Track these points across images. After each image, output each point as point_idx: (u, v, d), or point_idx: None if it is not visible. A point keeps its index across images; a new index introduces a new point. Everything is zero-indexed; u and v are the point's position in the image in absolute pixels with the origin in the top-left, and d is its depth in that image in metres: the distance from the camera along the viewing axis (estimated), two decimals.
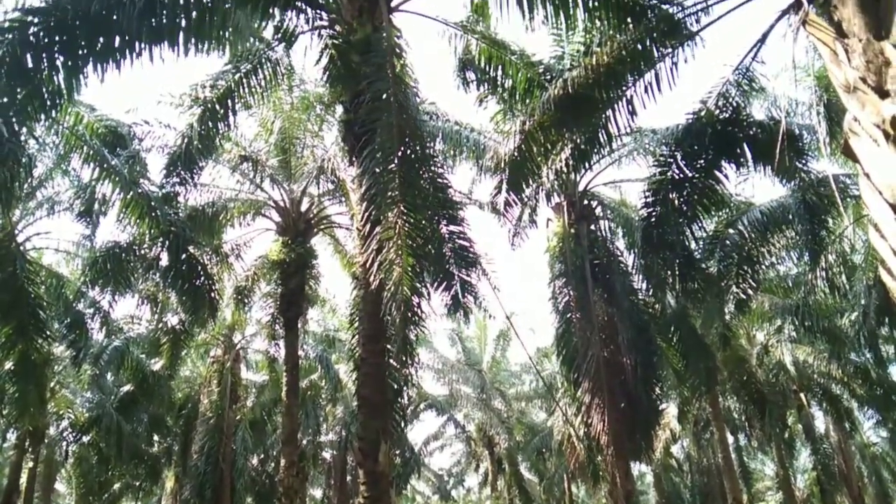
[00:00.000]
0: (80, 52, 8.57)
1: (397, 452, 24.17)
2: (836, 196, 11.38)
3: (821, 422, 31.02)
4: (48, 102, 8.83)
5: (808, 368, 25.24)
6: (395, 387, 10.85)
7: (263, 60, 11.62)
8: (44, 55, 8.30)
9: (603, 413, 12.95)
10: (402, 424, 12.13)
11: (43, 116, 9.38)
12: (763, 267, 15.86)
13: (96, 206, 14.08)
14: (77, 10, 8.11)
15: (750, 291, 14.74)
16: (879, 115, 2.76)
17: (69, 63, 8.56)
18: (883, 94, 2.74)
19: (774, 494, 43.49)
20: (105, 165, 11.81)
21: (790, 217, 13.20)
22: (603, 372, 13.12)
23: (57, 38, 8.31)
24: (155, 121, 14.01)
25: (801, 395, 27.07)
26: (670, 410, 23.59)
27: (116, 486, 28.91)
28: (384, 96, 8.81)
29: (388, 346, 9.98)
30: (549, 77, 11.20)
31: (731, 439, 27.28)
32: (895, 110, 2.68)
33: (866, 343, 19.09)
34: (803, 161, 11.46)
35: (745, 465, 33.98)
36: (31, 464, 22.16)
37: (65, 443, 23.48)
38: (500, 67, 11.67)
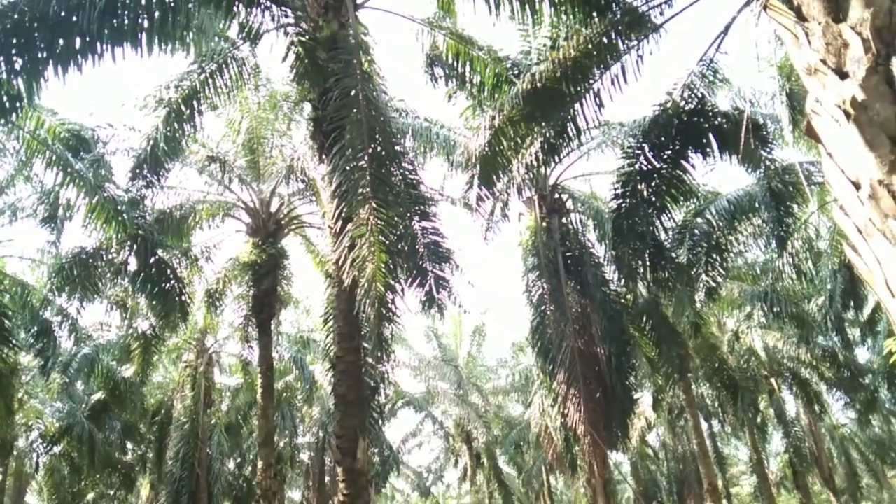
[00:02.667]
0: (40, 54, 8.39)
1: (375, 451, 24.11)
2: (801, 181, 11.62)
3: (791, 406, 31.67)
4: (7, 106, 8.64)
5: (777, 353, 25.76)
6: (372, 384, 10.83)
7: (229, 60, 11.49)
8: (1, 58, 8.10)
9: (579, 403, 13.05)
10: (380, 422, 12.11)
11: (2, 121, 9.19)
12: (731, 255, 16.14)
13: (61, 211, 13.78)
14: (35, 11, 7.94)
15: (719, 279, 14.99)
16: (840, 96, 2.82)
17: (28, 66, 8.38)
18: (843, 75, 2.80)
19: (749, 478, 44.23)
20: (69, 170, 11.58)
21: (756, 205, 13.43)
22: (578, 362, 13.22)
23: (14, 41, 8.12)
24: (119, 123, 13.77)
25: (772, 380, 27.61)
26: (645, 399, 23.87)
27: (90, 496, 28.40)
28: (352, 93, 8.78)
29: (364, 344, 9.95)
30: (517, 72, 11.25)
31: (704, 426, 27.72)
32: (855, 90, 2.75)
33: (833, 327, 19.56)
34: (768, 149, 11.66)
35: (720, 450, 34.58)
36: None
37: (35, 454, 23.00)
38: (468, 63, 11.69)
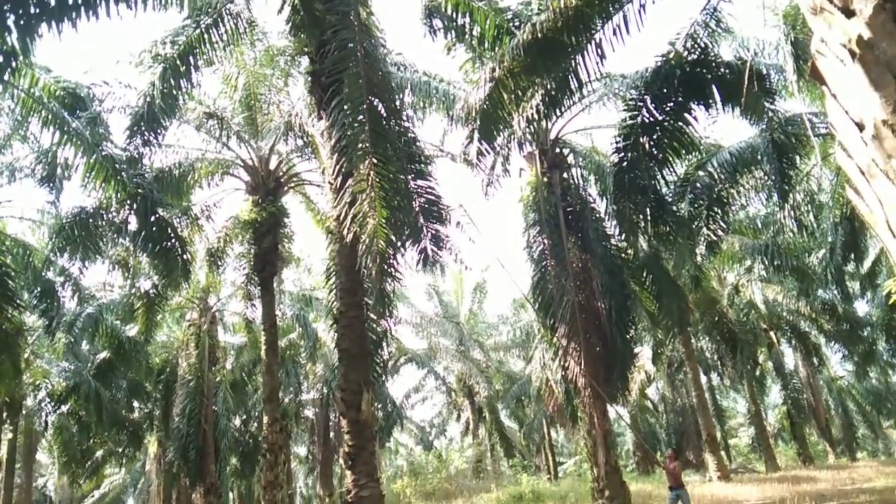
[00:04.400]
0: (33, 9, 8.23)
1: (379, 406, 24.49)
2: (805, 132, 11.51)
3: (790, 358, 32.02)
4: (1, 63, 8.50)
5: (777, 307, 25.93)
6: (375, 339, 10.92)
7: (224, 14, 11.29)
8: None
9: (579, 357, 13.16)
10: (383, 377, 12.25)
11: None
12: (733, 208, 16.11)
13: (59, 170, 13.73)
14: None
15: (720, 233, 15.00)
16: (846, 35, 2.77)
17: (21, 22, 8.20)
18: (849, 13, 2.75)
19: (747, 430, 45.03)
20: (66, 128, 11.46)
21: (759, 157, 13.35)
22: (578, 317, 13.28)
23: None
24: (115, 81, 13.63)
25: (771, 333, 27.85)
26: (645, 353, 24.11)
27: (99, 453, 28.98)
28: (350, 45, 8.66)
29: (366, 300, 10.00)
30: (517, 24, 11.05)
31: (704, 379, 28.05)
32: (861, 28, 2.70)
33: (833, 279, 19.62)
34: (771, 100, 11.53)
35: (719, 403, 35.11)
36: (10, 435, 22.05)
37: (43, 413, 23.35)
38: (467, 14, 11.45)
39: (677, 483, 13.00)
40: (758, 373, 28.22)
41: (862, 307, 28.25)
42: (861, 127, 2.74)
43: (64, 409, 22.44)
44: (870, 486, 16.18)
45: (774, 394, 37.72)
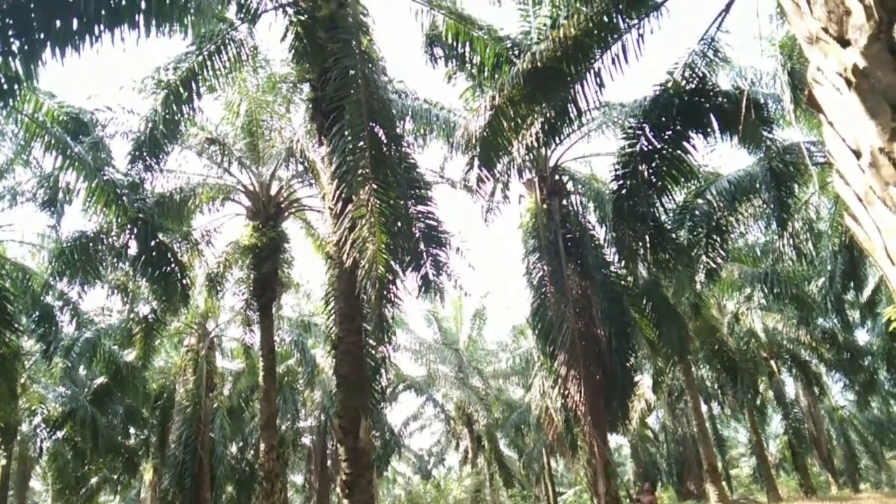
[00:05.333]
0: (38, 35, 8.33)
1: (377, 434, 24.28)
2: (803, 160, 11.58)
3: (791, 388, 31.85)
4: (6, 88, 8.60)
5: (777, 335, 25.84)
6: (373, 364, 10.87)
7: (227, 41, 11.40)
8: None
9: (579, 384, 13.10)
10: (381, 404, 12.17)
11: (1, 104, 9.13)
12: (732, 236, 16.14)
13: (60, 195, 13.76)
14: None
15: (719, 260, 15.00)
16: (842, 64, 2.81)
17: (26, 48, 8.30)
18: (844, 42, 2.79)
19: (748, 460, 44.55)
20: (68, 153, 11.55)
21: (757, 185, 13.42)
22: (578, 344, 13.26)
23: (12, 22, 8.05)
24: (118, 106, 13.72)
25: (772, 362, 27.72)
26: (645, 381, 23.96)
27: (94, 480, 28.63)
28: (351, 72, 8.75)
29: (365, 325, 9.98)
30: (517, 52, 11.18)
31: (704, 408, 27.85)
32: (856, 58, 2.74)
33: (833, 308, 19.59)
34: (769, 129, 11.63)
35: (720, 432, 34.83)
36: (3, 461, 21.82)
37: (39, 439, 23.13)
38: (467, 43, 11.62)
39: None
40: (758, 402, 28.00)
41: (862, 336, 28.18)
42: (858, 154, 2.77)
43: (59, 434, 22.25)
44: None
45: (775, 423, 37.43)
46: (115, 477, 27.01)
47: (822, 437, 31.76)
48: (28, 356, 19.62)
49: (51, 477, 27.91)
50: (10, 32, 8.17)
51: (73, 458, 24.13)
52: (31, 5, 8.06)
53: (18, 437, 22.78)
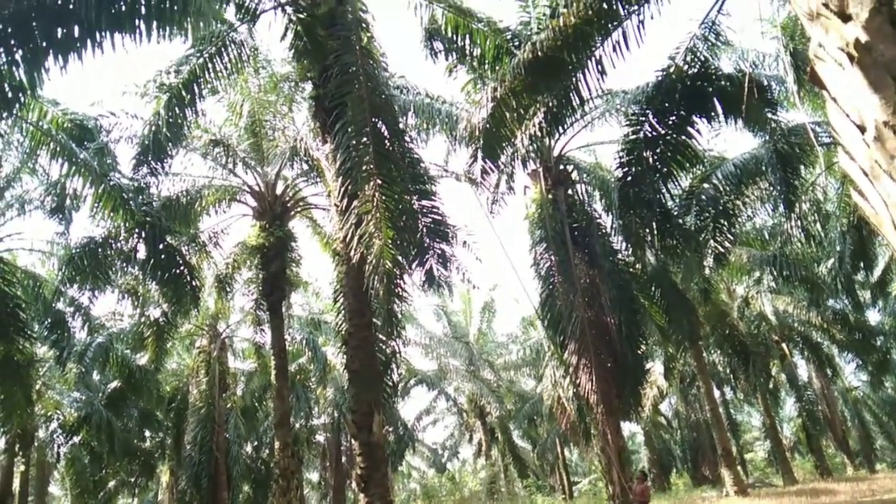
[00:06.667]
0: (40, 44, 8.37)
1: (390, 429, 24.36)
2: (810, 141, 11.51)
3: (803, 370, 31.75)
4: (10, 97, 8.64)
5: (788, 318, 25.74)
6: (384, 359, 10.90)
7: (227, 42, 11.41)
8: (1, 49, 8.08)
9: (590, 373, 13.11)
10: (393, 398, 12.20)
11: (5, 113, 9.20)
12: (739, 220, 16.07)
13: (68, 201, 13.86)
14: (33, 1, 7.90)
15: (727, 245, 14.92)
16: (843, 39, 2.80)
17: (29, 56, 8.34)
18: (845, 17, 2.78)
19: (762, 444, 44.51)
20: (74, 159, 11.60)
21: (763, 168, 13.35)
22: (588, 332, 13.26)
23: (14, 31, 8.09)
24: (121, 111, 13.78)
25: (783, 345, 27.62)
26: (656, 368, 23.95)
27: (111, 483, 28.89)
28: (352, 69, 8.75)
29: (374, 320, 10.01)
30: (517, 43, 11.15)
31: (717, 393, 27.81)
32: (858, 32, 2.73)
33: (843, 289, 19.48)
34: (773, 111, 11.56)
35: (733, 417, 34.76)
36: (22, 468, 22.02)
37: (56, 444, 23.33)
38: (467, 36, 11.59)
39: None
40: (771, 385, 27.92)
41: (874, 316, 28.06)
42: (862, 129, 2.76)
43: (76, 439, 22.45)
44: (891, 498, 15.93)
45: (789, 406, 37.33)
46: (133, 480, 27.27)
47: (837, 418, 31.67)
48: (42, 363, 19.76)
49: (69, 481, 28.16)
50: (13, 41, 8.21)
51: (91, 463, 24.36)
52: (33, 14, 8.09)
53: (36, 444, 22.99)
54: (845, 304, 23.26)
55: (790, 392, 31.51)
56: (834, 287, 19.98)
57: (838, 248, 18.00)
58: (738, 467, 24.15)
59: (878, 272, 21.96)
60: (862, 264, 18.66)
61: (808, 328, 26.55)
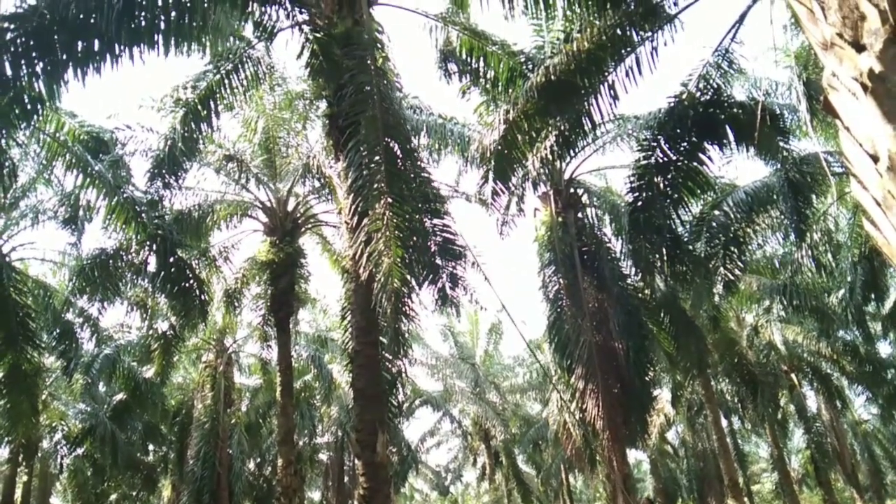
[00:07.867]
0: (60, 56, 8.50)
1: (394, 450, 24.18)
2: (822, 170, 11.49)
3: (812, 401, 31.34)
4: (29, 108, 8.78)
5: (797, 348, 25.50)
6: (390, 378, 10.87)
7: (244, 59, 11.58)
8: (23, 61, 8.21)
9: (597, 398, 13.01)
10: (398, 418, 12.14)
11: (24, 124, 9.32)
12: (749, 248, 16.00)
13: (81, 212, 13.99)
14: (55, 14, 8.04)
15: (738, 272, 14.86)
16: (857, 69, 2.81)
17: (49, 68, 8.47)
18: (859, 48, 2.79)
19: (770, 475, 43.86)
20: (89, 171, 11.71)
21: (774, 196, 13.32)
22: (595, 357, 13.18)
23: (35, 44, 8.23)
24: (137, 125, 13.94)
25: (793, 375, 27.34)
26: (664, 395, 23.75)
27: (113, 496, 28.78)
28: (367, 89, 8.83)
29: (381, 339, 10.00)
30: (530, 67, 11.25)
31: (724, 422, 27.48)
32: (872, 62, 2.74)
33: (854, 320, 19.28)
34: (785, 139, 11.57)
35: (740, 447, 34.34)
36: (25, 478, 21.98)
37: (59, 455, 23.31)
38: (481, 58, 11.71)
39: None
40: (780, 416, 27.58)
41: (885, 349, 27.73)
42: (875, 159, 2.76)
43: (79, 451, 22.42)
44: None
45: (797, 438, 36.84)
46: (134, 493, 27.13)
47: (846, 451, 31.19)
48: (49, 373, 19.81)
49: (71, 493, 28.07)
50: (34, 54, 8.36)
51: (93, 475, 24.29)
52: (55, 27, 8.24)
53: (39, 454, 22.96)
54: (856, 336, 23.00)
55: (798, 423, 31.09)
56: (844, 318, 19.78)
57: (849, 279, 17.86)
58: (745, 499, 23.83)
59: (889, 304, 21.71)
60: (873, 295, 18.48)
61: (818, 359, 26.27)
